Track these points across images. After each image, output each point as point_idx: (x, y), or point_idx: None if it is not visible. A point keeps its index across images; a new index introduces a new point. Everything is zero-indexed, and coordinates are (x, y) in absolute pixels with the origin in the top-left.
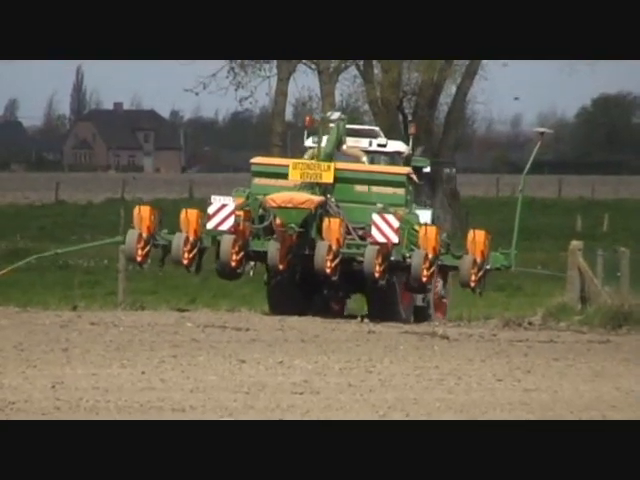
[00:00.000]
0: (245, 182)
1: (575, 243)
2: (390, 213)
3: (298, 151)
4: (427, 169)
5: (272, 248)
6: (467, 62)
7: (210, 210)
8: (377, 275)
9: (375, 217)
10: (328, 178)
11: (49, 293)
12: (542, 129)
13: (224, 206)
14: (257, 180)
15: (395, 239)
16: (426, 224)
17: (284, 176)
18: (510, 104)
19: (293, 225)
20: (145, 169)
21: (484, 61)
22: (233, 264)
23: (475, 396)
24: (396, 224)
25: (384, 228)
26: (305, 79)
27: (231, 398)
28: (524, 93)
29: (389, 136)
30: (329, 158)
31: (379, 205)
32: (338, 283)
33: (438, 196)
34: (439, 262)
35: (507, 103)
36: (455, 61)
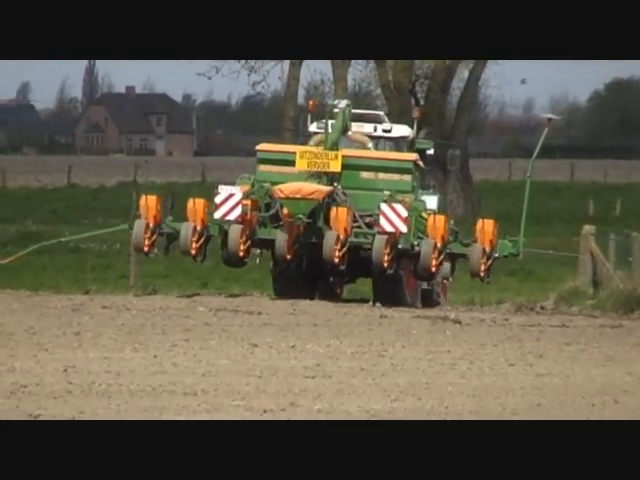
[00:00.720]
0: (251, 168)
1: (587, 227)
2: (398, 202)
3: (308, 135)
4: (430, 151)
5: (280, 238)
6: None
7: (217, 200)
8: (386, 265)
9: (383, 206)
10: (336, 167)
11: (61, 277)
12: (550, 115)
13: (231, 195)
14: (262, 167)
15: (404, 228)
16: (434, 211)
17: (290, 163)
18: (522, 88)
19: (301, 216)
20: (157, 153)
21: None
22: (241, 253)
23: (487, 380)
24: (404, 213)
25: (392, 217)
26: (317, 63)
27: (243, 382)
28: (536, 77)
29: (401, 120)
30: (335, 146)
31: (386, 192)
32: (345, 271)
33: (450, 180)
34: (447, 250)
35: (519, 87)
36: None
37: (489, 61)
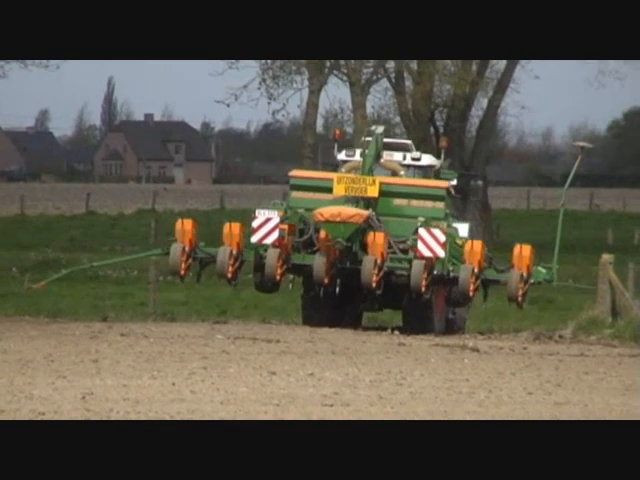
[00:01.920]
0: (278, 195)
1: (606, 256)
2: (435, 227)
3: (328, 163)
4: (454, 182)
5: (318, 262)
6: (499, 75)
7: (255, 224)
8: (423, 289)
9: (422, 231)
10: (373, 192)
11: (79, 304)
12: (582, 143)
13: (269, 220)
14: (295, 193)
15: (441, 253)
16: (471, 238)
17: (323, 190)
18: (542, 117)
19: (340, 239)
20: (176, 180)
21: (516, 74)
22: (277, 277)
23: (505, 409)
24: (442, 238)
25: (431, 242)
26: (337, 91)
27: (261, 410)
28: (555, 106)
29: (421, 149)
30: (371, 172)
31: (420, 219)
32: (378, 296)
33: (469, 209)
34: (482, 276)
35: (538, 116)
36: (487, 74)
37: (508, 90)
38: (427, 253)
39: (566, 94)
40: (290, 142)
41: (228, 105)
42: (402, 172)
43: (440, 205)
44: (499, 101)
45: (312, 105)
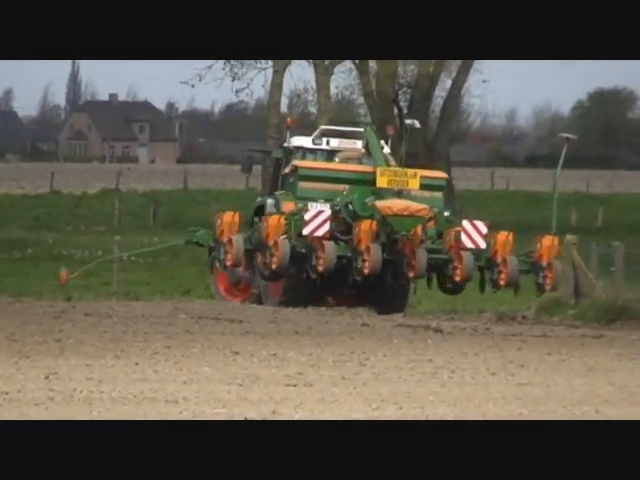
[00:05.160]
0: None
1: (569, 237)
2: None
3: (258, 150)
4: None
5: (378, 252)
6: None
7: (307, 216)
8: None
9: (465, 223)
10: (414, 185)
11: (43, 283)
12: (567, 134)
13: (320, 212)
14: (303, 184)
15: (483, 245)
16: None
17: (331, 180)
18: (505, 98)
19: (405, 232)
20: (140, 160)
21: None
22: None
23: (469, 390)
24: (484, 230)
25: (473, 234)
26: (301, 71)
27: (225, 390)
28: (519, 87)
29: (383, 130)
30: (387, 164)
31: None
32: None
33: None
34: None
35: (502, 97)
36: None
37: (472, 70)
38: (469, 244)
39: (530, 75)
40: (254, 122)
41: (193, 86)
42: (365, 160)
43: (438, 195)
44: (462, 82)
45: (276, 85)
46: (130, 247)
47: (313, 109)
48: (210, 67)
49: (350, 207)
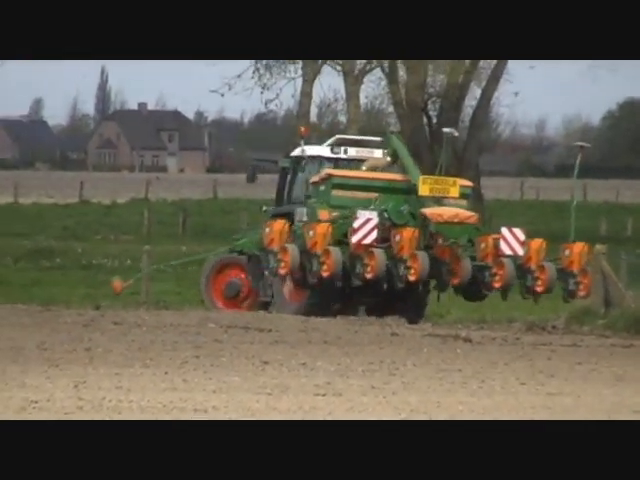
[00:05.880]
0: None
1: (599, 247)
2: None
3: (263, 159)
4: None
5: (425, 259)
6: (492, 65)
7: (356, 224)
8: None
9: (504, 230)
10: (454, 193)
11: (72, 292)
12: (581, 143)
13: (368, 220)
14: (336, 192)
15: (521, 252)
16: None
17: (363, 189)
18: (535, 107)
19: (454, 240)
20: (169, 169)
21: (509, 64)
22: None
23: (498, 399)
24: (522, 237)
25: (512, 241)
26: (330, 80)
27: (254, 399)
28: (549, 96)
29: (415, 139)
30: (413, 170)
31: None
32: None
33: None
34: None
35: (532, 106)
36: (481, 64)
37: (502, 80)
38: (508, 251)
39: (560, 85)
40: (283, 132)
41: (222, 95)
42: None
43: (463, 202)
44: (492, 91)
45: (306, 94)
46: (159, 257)
47: (343, 118)
48: (239, 76)
49: (385, 215)
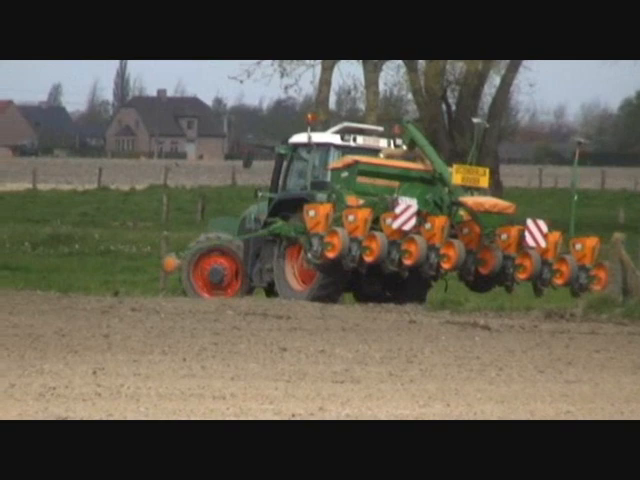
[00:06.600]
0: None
1: (617, 235)
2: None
3: (262, 145)
4: None
5: (461, 247)
6: None
7: (397, 210)
8: None
9: (529, 222)
10: (484, 183)
11: (90, 279)
12: (580, 139)
13: (409, 207)
14: (361, 179)
15: (543, 244)
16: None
17: (388, 176)
18: (553, 95)
19: (491, 229)
20: (188, 156)
21: None
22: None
23: (516, 387)
24: (545, 229)
25: (536, 233)
26: (349, 67)
27: (272, 386)
28: (568, 84)
29: (433, 126)
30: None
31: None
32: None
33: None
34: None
35: (551, 94)
36: None
37: (521, 67)
38: (532, 243)
39: (579, 72)
40: (302, 119)
41: (241, 81)
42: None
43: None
44: (512, 79)
45: (325, 82)
46: (177, 243)
47: (362, 106)
48: (259, 63)
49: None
